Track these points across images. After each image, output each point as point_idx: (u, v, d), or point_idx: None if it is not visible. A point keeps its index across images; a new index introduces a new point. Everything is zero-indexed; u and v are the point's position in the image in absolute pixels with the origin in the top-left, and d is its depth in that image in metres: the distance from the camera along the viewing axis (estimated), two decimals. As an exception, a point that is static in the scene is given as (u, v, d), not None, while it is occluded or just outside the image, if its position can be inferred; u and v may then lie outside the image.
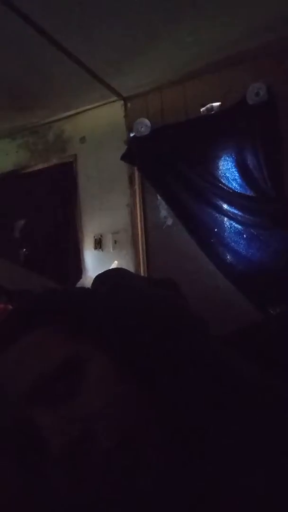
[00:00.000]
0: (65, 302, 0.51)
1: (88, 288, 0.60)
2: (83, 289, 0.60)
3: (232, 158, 2.26)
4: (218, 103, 2.31)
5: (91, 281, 0.61)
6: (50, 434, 0.38)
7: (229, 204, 2.24)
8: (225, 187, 2.26)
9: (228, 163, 2.28)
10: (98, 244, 2.75)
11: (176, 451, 0.40)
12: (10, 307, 2.34)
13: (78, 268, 2.81)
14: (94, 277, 0.61)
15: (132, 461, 0.38)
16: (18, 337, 0.46)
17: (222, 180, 2.28)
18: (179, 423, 0.41)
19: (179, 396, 0.42)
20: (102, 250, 2.74)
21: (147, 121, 2.48)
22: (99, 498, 0.37)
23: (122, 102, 2.66)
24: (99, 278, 0.60)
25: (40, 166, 3.04)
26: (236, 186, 2.25)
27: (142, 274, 2.55)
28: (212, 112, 2.32)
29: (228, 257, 2.28)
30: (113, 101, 2.67)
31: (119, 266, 2.61)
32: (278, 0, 1.82)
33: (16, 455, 0.39)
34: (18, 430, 0.39)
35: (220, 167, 2.30)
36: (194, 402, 0.42)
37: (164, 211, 2.51)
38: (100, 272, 0.61)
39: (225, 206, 2.26)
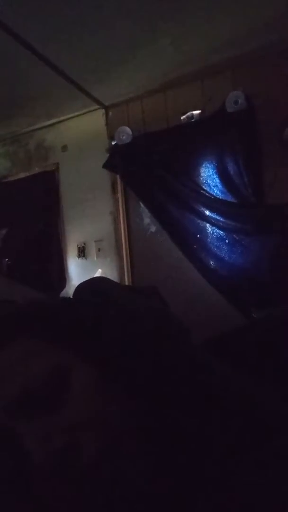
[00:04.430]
0: (47, 313, 0.51)
1: (70, 298, 0.60)
2: (65, 299, 0.60)
3: (213, 165, 2.29)
4: (198, 111, 2.34)
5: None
6: (34, 445, 0.38)
7: (211, 210, 2.27)
8: (207, 194, 2.28)
9: (209, 170, 2.31)
10: (82, 252, 2.74)
11: (162, 459, 0.40)
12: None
13: (61, 276, 2.79)
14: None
15: (118, 471, 0.38)
16: (0, 347, 0.45)
17: (203, 186, 2.30)
18: (164, 432, 0.41)
19: (163, 405, 0.42)
20: (86, 258, 2.73)
21: (128, 129, 2.49)
22: (84, 508, 0.36)
23: (103, 110, 2.67)
24: (81, 287, 0.60)
25: (21, 175, 3.02)
26: (218, 192, 2.28)
27: (126, 281, 2.55)
28: (193, 120, 2.35)
29: (211, 262, 2.29)
30: (94, 110, 2.68)
31: (103, 274, 2.60)
32: (258, 9, 1.86)
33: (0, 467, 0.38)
34: (0, 442, 0.39)
35: (202, 174, 2.32)
36: (178, 411, 0.42)
37: (147, 218, 2.52)
38: (82, 282, 0.60)
39: (207, 212, 2.28)
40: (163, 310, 0.59)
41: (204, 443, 0.40)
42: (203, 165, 2.32)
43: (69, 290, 2.75)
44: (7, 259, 3.00)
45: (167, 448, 0.40)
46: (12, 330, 0.47)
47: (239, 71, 2.24)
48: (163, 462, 0.40)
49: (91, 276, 0.64)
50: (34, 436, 0.38)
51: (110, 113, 2.66)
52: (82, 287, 0.59)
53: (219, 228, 2.27)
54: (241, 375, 0.46)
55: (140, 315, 0.51)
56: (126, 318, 0.49)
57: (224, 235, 2.27)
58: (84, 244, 2.74)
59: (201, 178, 2.32)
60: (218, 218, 2.24)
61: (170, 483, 0.38)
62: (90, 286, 0.59)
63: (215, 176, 2.28)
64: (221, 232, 2.27)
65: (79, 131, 2.77)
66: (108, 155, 2.57)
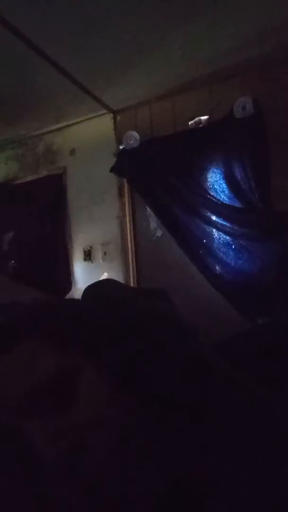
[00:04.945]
0: (55, 314, 0.51)
1: (77, 300, 0.60)
2: (73, 300, 0.60)
3: (220, 170, 2.29)
4: (206, 117, 2.35)
5: (81, 293, 0.61)
6: (42, 445, 0.38)
7: (217, 215, 2.27)
8: (214, 199, 2.28)
9: (216, 175, 2.31)
10: (88, 255, 2.75)
11: (169, 461, 0.40)
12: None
13: (67, 279, 2.80)
14: (83, 288, 0.61)
15: (125, 472, 0.38)
16: (8, 349, 0.45)
17: (210, 191, 2.30)
18: (171, 433, 0.41)
19: (170, 405, 0.42)
20: (92, 261, 2.74)
21: (136, 134, 2.50)
22: (92, 508, 0.37)
23: (111, 115, 2.69)
24: (88, 289, 0.60)
25: (29, 178, 3.04)
26: (224, 197, 2.28)
27: (132, 285, 2.55)
28: (200, 126, 2.36)
29: (217, 268, 2.29)
30: (103, 114, 2.70)
31: (109, 278, 2.60)
32: (265, 14, 1.86)
33: (7, 467, 0.38)
34: (9, 442, 0.39)
35: (209, 179, 2.33)
36: (186, 411, 0.42)
37: (153, 222, 2.53)
38: (90, 284, 0.61)
39: (213, 217, 2.28)
40: (171, 309, 0.59)
41: (212, 443, 0.40)
42: (210, 170, 2.32)
43: (75, 293, 2.75)
44: (13, 262, 3.02)
45: (174, 449, 0.40)
46: (20, 331, 0.47)
47: (247, 77, 2.25)
48: (170, 463, 0.40)
49: (97, 280, 0.64)
50: (41, 436, 0.38)
51: (118, 117, 2.68)
52: (91, 289, 0.60)
53: (226, 233, 2.26)
54: (249, 377, 0.46)
55: (148, 316, 0.51)
56: (134, 319, 0.49)
57: (231, 241, 2.26)
58: (90, 247, 2.74)
59: (208, 183, 2.32)
60: (225, 223, 2.23)
61: (177, 484, 0.39)
62: (99, 288, 0.60)
63: (222, 182, 2.29)
64: (227, 237, 2.27)
65: (87, 135, 2.78)
66: (116, 159, 2.59)
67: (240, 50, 2.11)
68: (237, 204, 2.24)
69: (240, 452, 0.39)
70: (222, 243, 2.29)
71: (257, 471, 0.37)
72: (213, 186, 2.31)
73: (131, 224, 2.59)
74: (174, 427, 0.41)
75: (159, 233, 2.51)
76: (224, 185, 2.28)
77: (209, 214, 2.30)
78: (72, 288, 2.79)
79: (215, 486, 0.38)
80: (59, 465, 0.37)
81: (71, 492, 0.36)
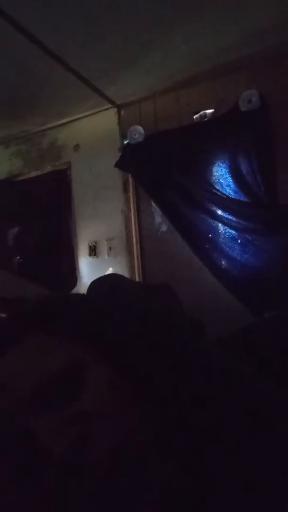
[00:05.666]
0: (61, 309, 0.51)
1: (83, 294, 0.60)
2: (79, 295, 0.60)
3: (226, 164, 2.28)
4: (211, 110, 2.33)
5: (86, 288, 0.61)
6: (49, 438, 0.38)
7: (223, 209, 2.25)
8: (219, 193, 2.27)
9: (221, 169, 2.29)
10: (93, 251, 2.75)
11: (176, 456, 0.40)
12: (3, 315, 2.32)
13: (73, 275, 2.80)
14: (89, 284, 0.61)
15: (131, 466, 0.38)
16: (15, 343, 0.45)
17: (216, 186, 2.29)
18: (176, 426, 0.41)
19: (176, 400, 0.42)
20: (97, 257, 2.74)
21: (140, 128, 2.49)
22: (98, 501, 0.37)
23: (115, 109, 2.67)
24: (94, 284, 0.60)
25: (33, 174, 3.04)
26: (230, 192, 2.26)
27: (137, 280, 2.55)
28: (205, 119, 2.34)
29: (223, 262, 2.28)
30: (107, 109, 2.69)
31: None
32: (271, 7, 1.84)
33: (14, 461, 0.38)
34: (16, 436, 0.39)
35: (214, 173, 2.31)
36: (192, 407, 0.41)
37: (158, 217, 2.52)
38: (96, 278, 0.60)
39: (219, 212, 2.27)
40: (176, 304, 0.59)
41: (221, 440, 0.39)
42: (216, 164, 2.30)
43: (80, 288, 2.76)
44: (18, 257, 3.02)
45: (177, 444, 0.40)
46: (27, 326, 0.47)
47: (253, 70, 2.22)
48: (173, 458, 0.40)
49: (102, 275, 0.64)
50: (48, 431, 0.38)
51: (123, 112, 2.66)
52: (96, 284, 0.59)
53: (231, 227, 2.25)
54: (254, 370, 0.46)
55: (153, 310, 0.51)
56: (140, 315, 0.49)
57: (236, 235, 2.25)
58: (96, 242, 2.74)
59: (214, 177, 2.31)
60: (231, 217, 2.22)
61: (181, 478, 0.39)
62: (104, 283, 0.60)
63: (227, 175, 2.27)
64: (233, 231, 2.26)
65: (91, 130, 2.77)
66: (120, 154, 2.58)
67: (245, 43, 2.09)
68: (243, 198, 2.22)
69: (242, 443, 0.39)
70: (227, 237, 2.28)
71: (261, 464, 0.37)
72: (218, 180, 2.30)
73: (136, 219, 2.59)
74: (176, 423, 0.41)
75: (164, 228, 2.51)
76: (229, 179, 2.27)
77: (214, 208, 2.28)
78: (77, 284, 2.79)
79: (217, 478, 0.38)
80: (64, 460, 0.37)
81: (77, 487, 0.36)
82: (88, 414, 0.40)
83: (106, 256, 2.71)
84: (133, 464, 0.38)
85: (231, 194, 2.26)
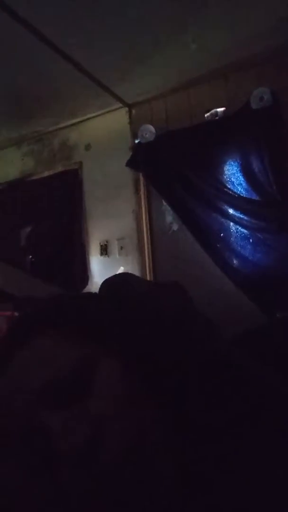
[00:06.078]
0: (73, 307, 0.52)
1: (95, 293, 0.60)
2: (91, 294, 0.60)
3: (237, 163, 2.26)
4: (222, 109, 2.31)
5: (97, 287, 0.61)
6: (60, 436, 0.38)
7: (235, 208, 2.24)
8: (231, 192, 2.26)
9: (233, 168, 2.28)
10: (104, 250, 2.76)
11: (187, 454, 0.40)
12: (16, 314, 2.34)
13: (84, 274, 2.82)
14: (100, 283, 0.61)
15: (141, 465, 0.38)
16: (28, 341, 0.46)
17: (227, 185, 2.28)
18: (187, 426, 0.41)
19: (187, 399, 0.42)
20: (108, 256, 2.75)
21: (151, 127, 2.49)
22: (108, 499, 0.37)
23: (126, 109, 2.68)
24: (106, 283, 0.60)
25: (45, 174, 3.06)
26: (242, 190, 2.25)
27: (148, 279, 2.54)
28: (217, 118, 2.33)
29: (234, 261, 2.27)
30: (118, 108, 2.69)
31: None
32: (282, 4, 1.82)
33: (25, 457, 0.38)
34: (27, 433, 0.39)
35: (225, 172, 2.30)
36: (203, 405, 0.41)
37: (169, 216, 2.52)
38: (107, 277, 0.61)
39: (231, 210, 2.26)
40: (188, 303, 0.59)
41: (233, 439, 0.39)
42: (227, 163, 2.29)
43: (92, 287, 2.77)
44: (30, 257, 3.05)
45: (193, 443, 0.40)
46: (39, 324, 0.47)
47: (265, 67, 2.21)
48: (188, 457, 0.40)
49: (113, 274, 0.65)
50: (59, 427, 0.39)
51: (134, 111, 2.67)
52: (108, 283, 0.60)
53: (243, 226, 2.24)
54: (267, 369, 0.46)
55: (166, 309, 0.51)
56: (151, 312, 0.49)
57: (248, 234, 2.24)
58: (107, 242, 2.75)
59: (225, 176, 2.30)
60: (242, 216, 2.21)
61: (195, 479, 0.38)
62: (116, 281, 0.60)
63: (239, 174, 2.26)
64: (245, 230, 2.25)
65: (103, 130, 2.78)
66: (131, 153, 2.58)
67: (256, 41, 2.07)
68: (255, 197, 2.21)
69: (252, 440, 0.39)
70: (239, 236, 2.27)
71: (270, 458, 0.37)
72: (230, 179, 2.29)
73: (147, 218, 2.59)
74: (193, 421, 0.41)
75: (175, 227, 2.50)
76: (241, 178, 2.25)
77: (226, 207, 2.27)
78: (89, 283, 2.81)
79: (227, 475, 0.38)
80: (74, 457, 0.37)
81: (86, 484, 0.37)
82: (101, 412, 0.40)
83: (117, 256, 2.71)
84: (144, 464, 0.38)
85: (242, 193, 2.25)
